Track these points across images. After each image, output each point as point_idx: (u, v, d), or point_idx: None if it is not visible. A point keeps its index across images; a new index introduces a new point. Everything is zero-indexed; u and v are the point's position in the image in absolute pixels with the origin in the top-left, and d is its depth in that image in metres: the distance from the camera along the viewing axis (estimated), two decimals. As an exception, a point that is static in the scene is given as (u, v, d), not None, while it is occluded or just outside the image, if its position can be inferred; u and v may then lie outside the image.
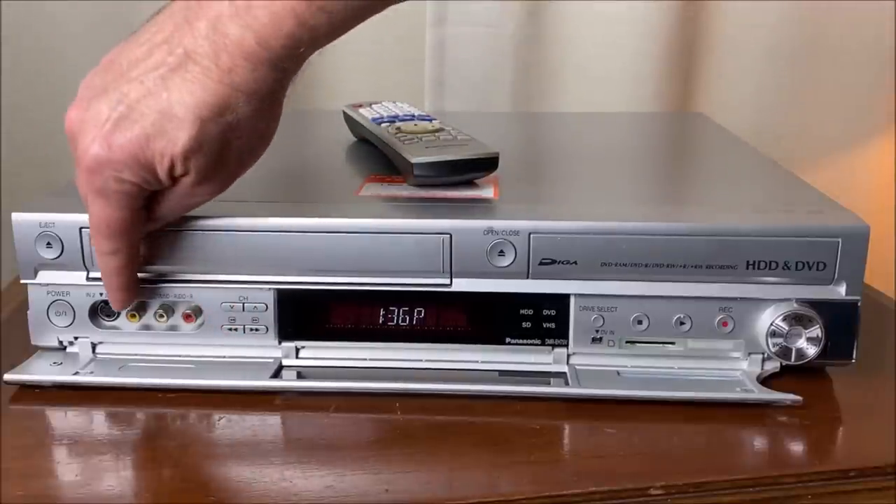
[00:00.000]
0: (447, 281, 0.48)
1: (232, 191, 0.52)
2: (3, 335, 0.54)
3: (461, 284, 0.48)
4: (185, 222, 0.48)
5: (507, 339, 0.49)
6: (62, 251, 0.48)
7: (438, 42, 0.96)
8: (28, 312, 0.50)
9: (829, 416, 0.47)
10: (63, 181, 0.56)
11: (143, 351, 0.51)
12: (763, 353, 0.49)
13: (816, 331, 0.47)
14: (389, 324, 0.50)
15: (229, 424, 0.46)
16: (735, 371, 0.49)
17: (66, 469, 0.42)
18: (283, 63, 0.41)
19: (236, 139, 0.42)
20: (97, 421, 0.46)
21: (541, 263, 0.48)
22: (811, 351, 0.48)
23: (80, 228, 0.48)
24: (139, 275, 0.48)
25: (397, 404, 0.47)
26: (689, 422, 0.46)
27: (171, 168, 0.42)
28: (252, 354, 0.50)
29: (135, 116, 0.41)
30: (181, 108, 0.41)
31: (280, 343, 0.50)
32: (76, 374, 0.49)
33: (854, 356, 0.49)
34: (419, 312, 0.49)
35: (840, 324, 0.48)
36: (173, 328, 0.50)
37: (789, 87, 1.01)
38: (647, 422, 0.46)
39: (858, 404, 0.48)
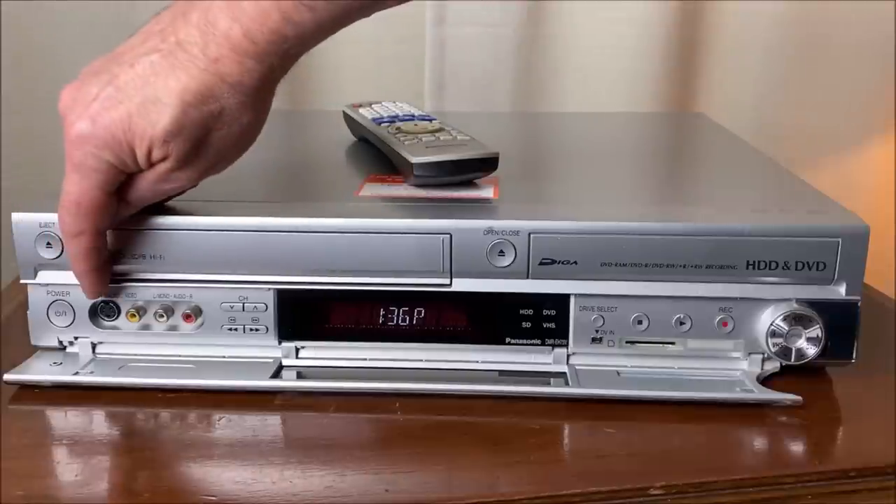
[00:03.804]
0: (447, 281, 0.48)
1: (232, 191, 0.53)
2: (3, 335, 0.54)
3: (461, 284, 0.48)
4: (185, 222, 0.48)
5: (508, 339, 0.49)
6: (62, 251, 0.48)
7: (438, 42, 0.96)
8: (28, 312, 0.50)
9: (829, 416, 0.47)
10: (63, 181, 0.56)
11: (143, 351, 0.51)
12: (763, 353, 0.49)
13: (816, 331, 0.47)
14: (389, 324, 0.50)
15: (229, 424, 0.46)
16: (735, 371, 0.49)
17: (66, 469, 0.42)
18: (270, 58, 0.42)
19: (218, 129, 0.43)
20: (97, 421, 0.46)
21: (541, 263, 0.48)
22: (811, 351, 0.48)
23: (80, 228, 0.48)
24: (145, 274, 0.48)
25: (397, 404, 0.47)
26: (689, 422, 0.46)
27: (150, 151, 0.43)
28: (252, 354, 0.50)
29: (121, 97, 0.42)
30: (166, 92, 0.42)
31: (280, 343, 0.50)
32: (76, 374, 0.49)
33: (854, 356, 0.49)
34: (419, 312, 0.49)
35: (840, 324, 0.48)
36: (173, 328, 0.50)
37: (790, 87, 1.01)
38: (647, 422, 0.46)
39: (858, 404, 0.48)
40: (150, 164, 0.44)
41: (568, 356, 0.50)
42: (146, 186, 0.45)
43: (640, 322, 0.49)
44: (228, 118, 0.43)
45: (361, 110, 0.66)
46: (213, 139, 0.43)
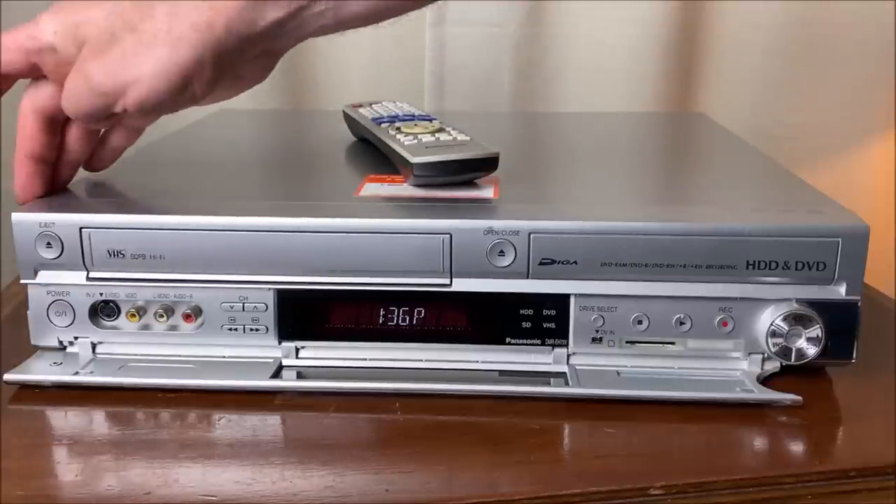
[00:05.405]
0: (447, 281, 0.48)
1: (232, 191, 0.53)
2: (3, 335, 0.54)
3: (461, 284, 0.48)
4: (185, 222, 0.48)
5: (508, 339, 0.49)
6: (62, 251, 0.48)
7: (438, 42, 0.96)
8: (28, 312, 0.50)
9: (829, 416, 0.47)
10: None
11: (143, 351, 0.51)
12: (763, 353, 0.49)
13: (816, 331, 0.47)
14: (389, 324, 0.50)
15: (229, 424, 0.46)
16: (735, 371, 0.49)
17: (66, 469, 0.42)
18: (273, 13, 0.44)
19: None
20: (97, 421, 0.46)
21: (541, 263, 0.48)
22: (811, 351, 0.48)
23: (80, 228, 0.48)
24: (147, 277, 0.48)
25: (397, 404, 0.47)
26: (689, 422, 0.46)
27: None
28: (252, 354, 0.50)
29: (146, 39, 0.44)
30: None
31: (280, 343, 0.50)
32: (76, 374, 0.49)
33: (854, 356, 0.49)
34: (419, 312, 0.49)
35: (840, 324, 0.48)
36: (173, 328, 0.50)
37: (789, 87, 1.01)
38: (647, 422, 0.46)
39: (858, 404, 0.48)
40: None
41: (568, 356, 0.50)
42: None
43: (640, 322, 0.49)
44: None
45: (361, 110, 0.66)
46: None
